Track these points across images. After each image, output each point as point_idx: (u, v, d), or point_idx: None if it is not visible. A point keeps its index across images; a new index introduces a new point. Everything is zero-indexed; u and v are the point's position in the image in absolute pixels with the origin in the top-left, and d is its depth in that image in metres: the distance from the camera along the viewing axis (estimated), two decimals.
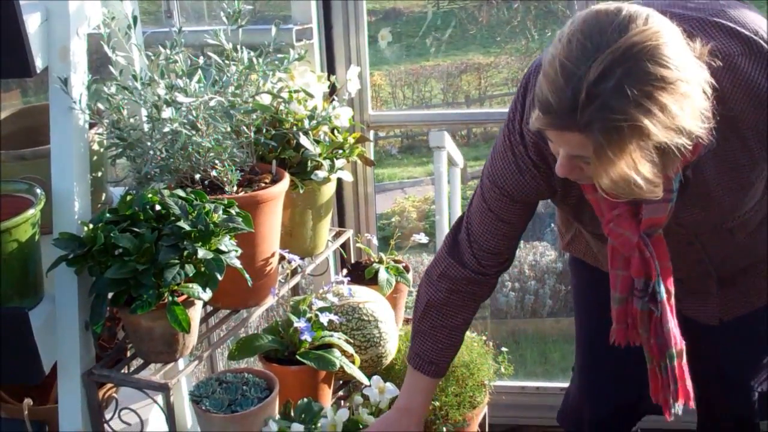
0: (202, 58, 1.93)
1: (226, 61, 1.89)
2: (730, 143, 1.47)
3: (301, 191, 2.02)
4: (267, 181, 1.92)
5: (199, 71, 1.84)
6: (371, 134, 2.54)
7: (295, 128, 2.03)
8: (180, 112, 1.76)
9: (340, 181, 2.33)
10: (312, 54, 2.35)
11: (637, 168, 1.26)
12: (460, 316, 1.78)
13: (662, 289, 1.57)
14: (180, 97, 1.74)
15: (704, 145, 1.39)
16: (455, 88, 13.10)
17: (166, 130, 1.76)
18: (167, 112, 1.76)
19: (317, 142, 2.07)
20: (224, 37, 1.89)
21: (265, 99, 1.96)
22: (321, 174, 2.05)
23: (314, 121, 2.05)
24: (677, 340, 1.62)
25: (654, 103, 1.23)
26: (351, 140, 2.15)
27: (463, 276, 1.74)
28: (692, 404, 1.67)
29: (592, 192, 1.50)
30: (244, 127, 1.89)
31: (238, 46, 1.89)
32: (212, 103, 1.77)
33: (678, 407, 1.68)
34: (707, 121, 1.30)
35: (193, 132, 1.78)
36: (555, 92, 1.28)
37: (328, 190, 2.15)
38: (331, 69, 2.43)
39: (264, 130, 1.96)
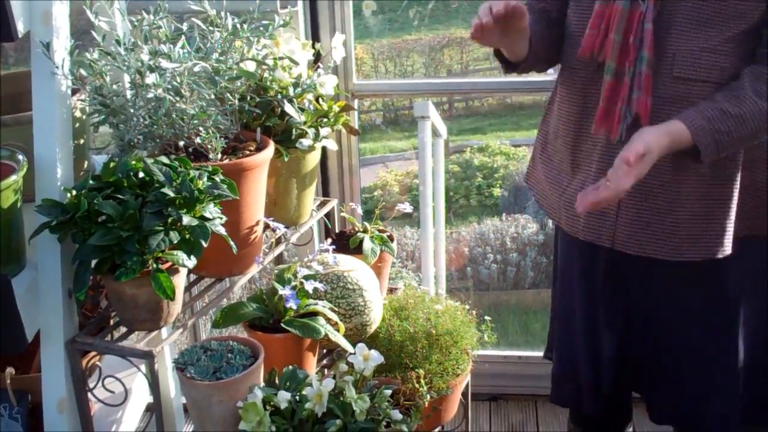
0: (185, 24, 1.91)
1: (210, 28, 1.87)
2: None
3: (286, 159, 2.01)
4: (251, 148, 1.91)
5: (183, 37, 1.82)
6: (356, 103, 2.53)
7: (279, 96, 2.01)
8: (164, 78, 1.74)
9: (324, 150, 2.32)
10: (296, 21, 2.33)
11: None
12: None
13: None
14: (164, 63, 1.73)
15: None
16: (437, 62, 13.12)
17: (150, 96, 1.74)
18: (151, 78, 1.73)
19: (302, 110, 2.05)
20: (208, 4, 1.87)
21: (250, 66, 1.95)
22: (306, 142, 2.04)
23: (299, 89, 2.03)
24: (651, 45, 1.67)
25: None
26: (336, 109, 2.14)
27: None
28: (646, 121, 1.70)
29: None
30: (228, 95, 1.88)
31: (222, 13, 1.87)
32: (196, 69, 1.76)
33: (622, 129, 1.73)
34: None
35: (177, 98, 1.77)
36: None
37: (313, 159, 2.14)
38: (315, 37, 2.41)
39: (248, 98, 1.95)
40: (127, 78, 1.82)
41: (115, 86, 1.81)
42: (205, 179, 1.67)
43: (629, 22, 1.67)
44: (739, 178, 1.75)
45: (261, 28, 1.87)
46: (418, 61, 13.11)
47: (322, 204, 2.33)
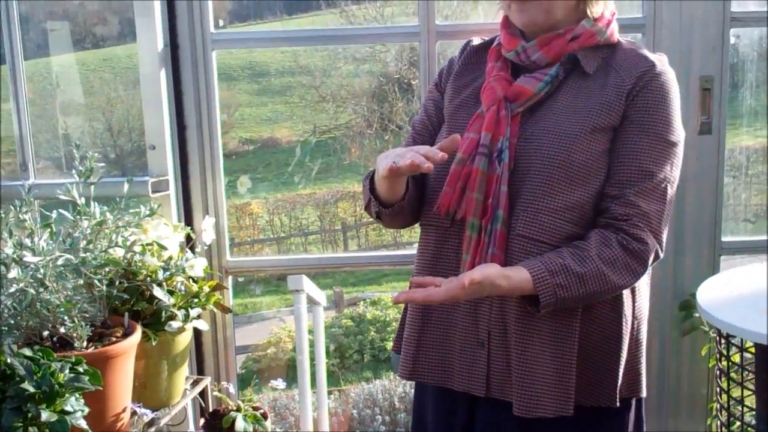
0: (55, 211, 1.94)
1: (78, 217, 1.91)
2: (596, 84, 1.80)
3: (154, 343, 2.02)
4: (118, 335, 1.92)
5: (49, 229, 1.86)
6: (229, 280, 2.57)
7: (149, 279, 2.05)
8: (27, 272, 1.76)
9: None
10: (169, 204, 2.39)
11: None
12: None
13: (507, 152, 1.76)
14: (28, 257, 1.75)
15: (585, 57, 1.80)
16: (332, 215, 13.34)
17: (13, 289, 1.76)
18: (14, 272, 1.75)
19: (171, 292, 2.08)
20: (77, 193, 1.92)
21: (119, 251, 1.98)
22: (175, 324, 2.06)
23: (168, 273, 2.07)
24: (506, 206, 1.76)
25: None
26: (207, 289, 2.18)
27: None
28: None
29: (494, 59, 1.88)
30: (96, 281, 1.90)
31: (91, 201, 1.92)
32: (60, 262, 1.78)
33: None
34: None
35: (42, 289, 1.78)
36: None
37: (184, 339, 2.16)
38: (188, 218, 2.47)
39: (117, 282, 1.97)
40: None
41: None
42: (68, 371, 1.67)
43: (488, 184, 1.79)
44: (577, 340, 1.81)
45: (128, 218, 1.93)
46: (312, 214, 13.34)
47: (195, 383, 2.33)
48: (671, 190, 1.77)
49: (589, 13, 1.82)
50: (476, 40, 2.00)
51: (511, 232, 1.78)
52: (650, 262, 1.76)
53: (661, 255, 1.78)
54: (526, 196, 1.78)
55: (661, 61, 1.81)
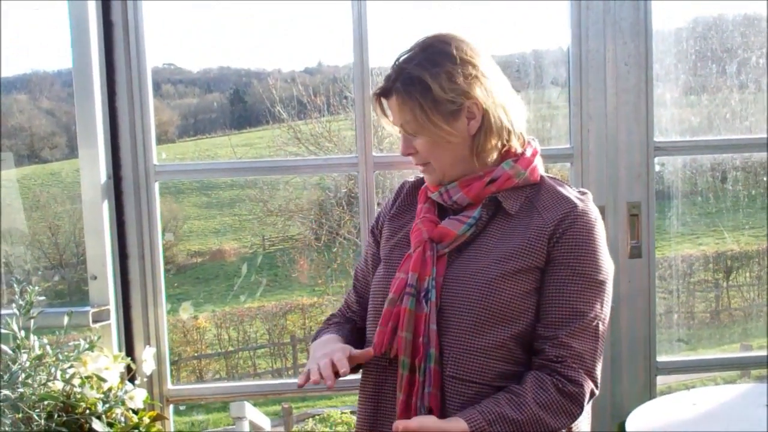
0: None
1: (17, 350, 1.92)
2: (520, 224, 1.83)
3: None
4: None
5: None
6: (171, 409, 2.56)
7: (88, 412, 2.04)
8: None
9: None
10: (109, 333, 2.39)
11: (431, 115, 1.78)
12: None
13: (434, 291, 1.80)
14: None
15: (506, 198, 1.85)
16: (280, 328, 13.24)
17: None
18: None
19: (111, 424, 2.07)
20: (17, 326, 1.93)
21: (57, 385, 1.98)
22: None
23: (107, 405, 2.07)
24: (437, 345, 1.78)
25: (441, 70, 1.77)
26: (147, 420, 2.17)
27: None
28: (437, 415, 1.75)
29: (423, 200, 1.94)
30: (35, 414, 1.89)
31: (31, 333, 1.93)
32: None
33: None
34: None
35: None
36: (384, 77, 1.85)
37: None
38: (129, 347, 2.46)
39: (56, 416, 1.96)
40: None
41: None
42: None
43: (417, 323, 1.81)
44: None
45: (67, 351, 1.94)
46: (261, 328, 13.20)
47: None
48: (602, 327, 1.81)
49: (488, 158, 1.86)
50: (411, 179, 2.06)
51: (444, 373, 1.80)
52: (586, 402, 1.78)
53: (597, 393, 1.80)
54: (454, 335, 1.80)
55: (583, 200, 1.85)
